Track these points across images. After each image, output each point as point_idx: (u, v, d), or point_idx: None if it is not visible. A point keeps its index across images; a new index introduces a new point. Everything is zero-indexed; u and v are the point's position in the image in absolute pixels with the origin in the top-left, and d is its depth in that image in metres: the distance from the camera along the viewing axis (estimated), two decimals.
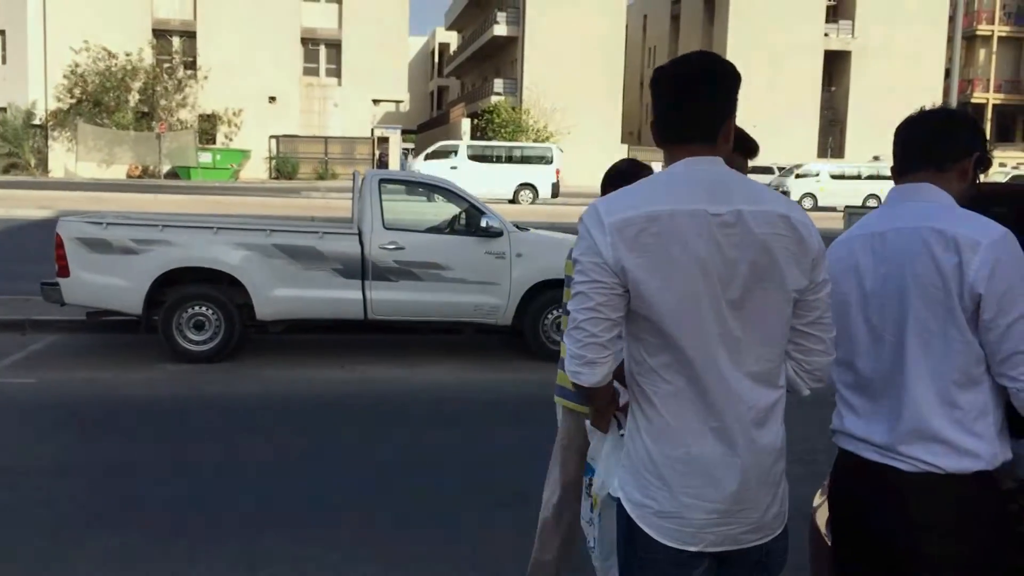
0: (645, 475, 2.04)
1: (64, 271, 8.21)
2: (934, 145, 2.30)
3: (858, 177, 35.02)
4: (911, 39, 49.51)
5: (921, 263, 2.13)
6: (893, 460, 2.16)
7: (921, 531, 2.13)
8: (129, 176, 41.41)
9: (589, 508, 2.53)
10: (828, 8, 51.31)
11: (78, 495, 5.13)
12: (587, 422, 2.54)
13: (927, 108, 2.38)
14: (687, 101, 2.05)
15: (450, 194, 9.17)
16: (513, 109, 47.49)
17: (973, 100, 55.13)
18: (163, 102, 42.29)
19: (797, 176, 35.07)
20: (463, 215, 9.01)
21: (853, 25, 51.13)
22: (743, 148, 2.73)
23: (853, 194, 32.50)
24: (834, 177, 34.98)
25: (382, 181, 8.90)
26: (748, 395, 2.02)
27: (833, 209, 29.23)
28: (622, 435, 2.22)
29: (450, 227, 9.10)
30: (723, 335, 1.99)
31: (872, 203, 31.43)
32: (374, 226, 8.60)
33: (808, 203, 32.76)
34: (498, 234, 8.72)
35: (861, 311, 2.25)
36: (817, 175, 35.12)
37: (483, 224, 8.71)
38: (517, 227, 9.00)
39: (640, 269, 1.96)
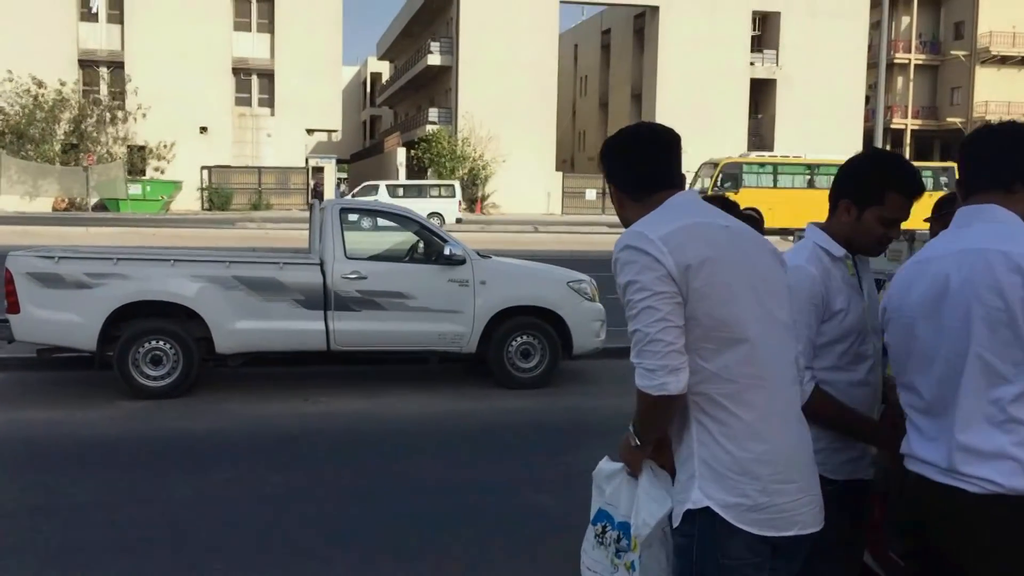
0: (731, 476, 2.16)
1: (14, 307, 7.94)
2: (1002, 164, 2.29)
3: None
4: (832, 68, 51.09)
5: (985, 286, 2.13)
6: (958, 481, 2.16)
7: (989, 552, 2.14)
8: (55, 209, 40.28)
9: (614, 554, 2.46)
10: (753, 38, 52.73)
11: (48, 537, 4.93)
12: (603, 467, 2.56)
13: (994, 123, 2.38)
14: (671, 158, 2.42)
15: (411, 223, 9.14)
16: (449, 138, 47.61)
17: (892, 126, 57.05)
18: (92, 133, 41.33)
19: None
20: (423, 243, 8.97)
21: (777, 54, 52.58)
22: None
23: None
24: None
25: (343, 211, 8.83)
26: (794, 382, 2.31)
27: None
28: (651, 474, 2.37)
29: (410, 255, 9.06)
30: (772, 322, 2.26)
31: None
32: (336, 255, 8.51)
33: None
34: (461, 262, 8.71)
35: (925, 333, 2.25)
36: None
37: (446, 252, 8.69)
38: (480, 255, 9.00)
39: (703, 267, 2.16)
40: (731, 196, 4.79)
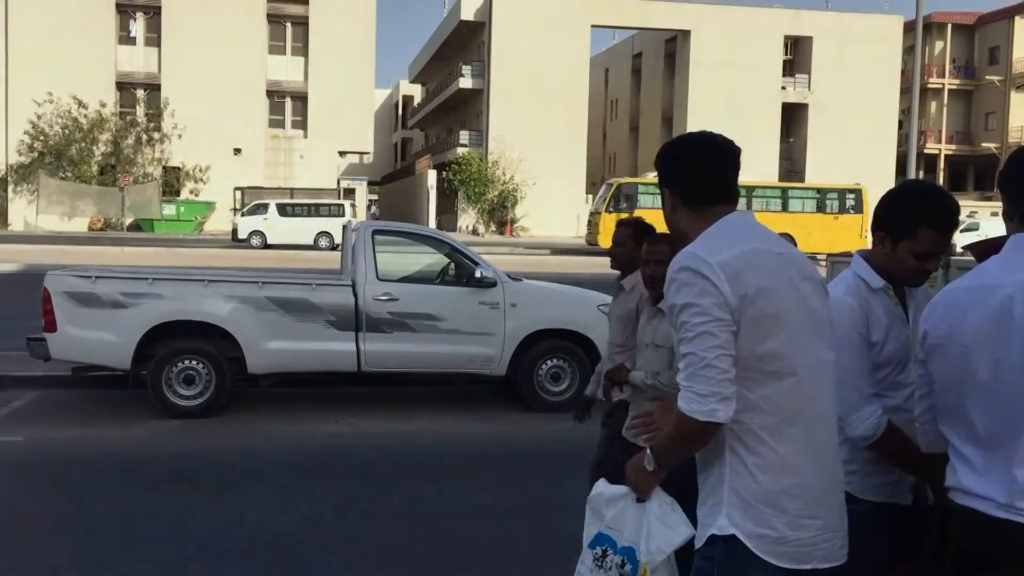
0: (759, 507, 2.16)
1: (51, 326, 8.03)
2: None
3: None
4: (865, 92, 50.84)
5: None
6: (1018, 516, 2.09)
7: None
8: (91, 229, 40.93)
9: None
10: (785, 62, 52.64)
11: (83, 553, 4.96)
12: (602, 491, 2.57)
13: None
14: (731, 172, 2.39)
15: (442, 244, 9.16)
16: (480, 160, 47.86)
17: (926, 151, 56.61)
18: (129, 154, 41.98)
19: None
20: (454, 265, 8.99)
21: (809, 78, 52.45)
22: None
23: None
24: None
25: (375, 232, 8.87)
26: (833, 418, 2.33)
27: None
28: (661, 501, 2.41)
29: (441, 277, 9.08)
30: (816, 356, 2.27)
31: None
32: (368, 277, 8.54)
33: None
34: (492, 284, 8.71)
35: (984, 363, 2.18)
36: None
37: (477, 275, 8.70)
38: (511, 277, 9.00)
39: (758, 296, 2.17)
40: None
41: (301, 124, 46.70)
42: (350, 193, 45.28)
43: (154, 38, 43.97)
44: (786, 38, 52.44)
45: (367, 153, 52.06)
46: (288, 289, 8.51)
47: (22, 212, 41.79)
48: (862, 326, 2.60)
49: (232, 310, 8.28)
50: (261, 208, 34.77)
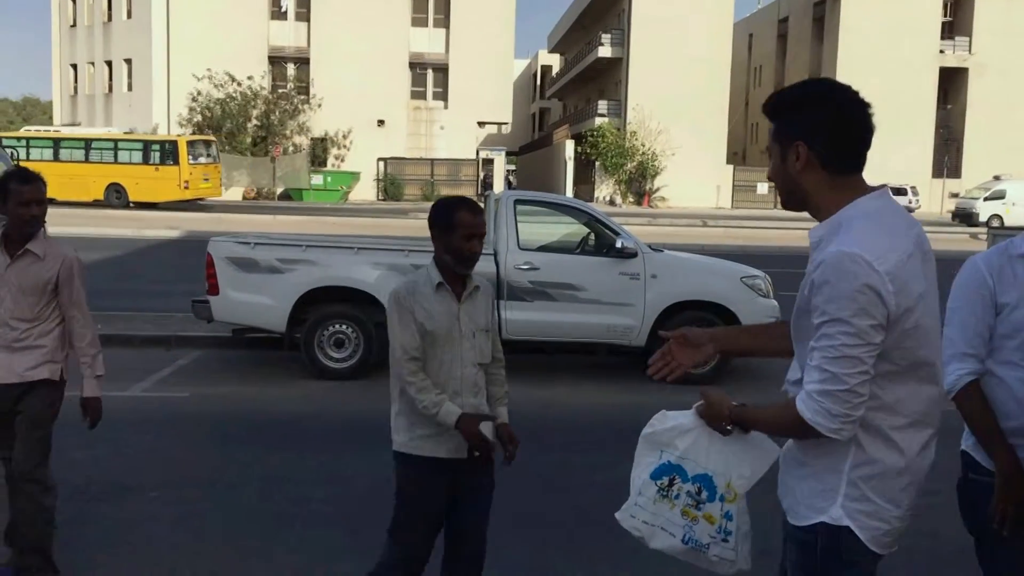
0: (878, 503, 2.16)
1: (214, 289, 8.53)
2: None
3: None
4: None
5: None
6: None
7: None
8: (245, 198, 42.87)
9: (687, 506, 2.48)
10: (944, 24, 49.75)
11: (242, 505, 5.30)
12: (675, 423, 2.54)
13: None
14: (871, 132, 2.19)
15: (582, 214, 9.19)
16: (617, 131, 47.43)
17: None
18: (279, 127, 43.70)
19: (986, 199, 34.85)
20: (594, 235, 9.01)
21: (970, 41, 49.41)
22: None
23: None
24: None
25: (517, 202, 8.98)
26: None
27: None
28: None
29: (581, 247, 9.11)
30: (940, 354, 2.28)
31: None
32: (509, 246, 8.67)
33: (995, 224, 32.43)
34: (632, 255, 8.69)
35: None
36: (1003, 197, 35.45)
37: (618, 245, 8.69)
38: (651, 248, 8.95)
39: (915, 308, 2.08)
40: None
41: (442, 95, 47.39)
42: (488, 163, 45.78)
43: (304, 13, 45.42)
44: None
45: (505, 124, 52.39)
46: None
47: None
48: (983, 288, 2.66)
49: (380, 277, 8.57)
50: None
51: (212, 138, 37.97)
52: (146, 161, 33.57)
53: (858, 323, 2.01)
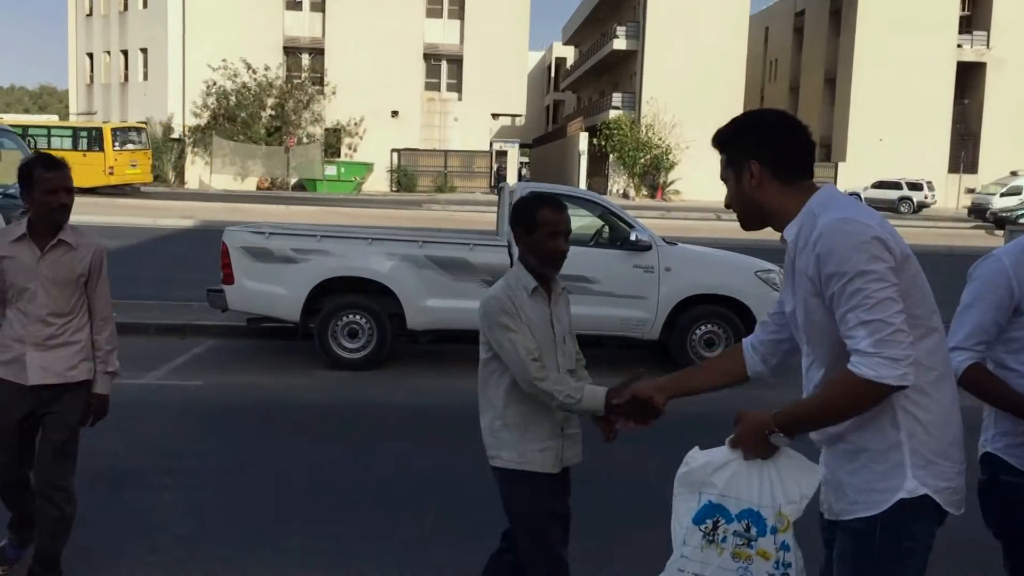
0: (939, 462, 2.21)
1: (229, 278, 8.55)
2: None
3: None
4: None
5: None
6: None
7: None
8: (259, 188, 42.97)
9: (738, 546, 2.32)
10: (961, 18, 49.35)
11: (260, 493, 5.33)
12: (706, 461, 2.41)
13: None
14: (812, 142, 2.39)
15: (596, 206, 9.18)
16: (631, 124, 47.28)
17: None
18: (293, 117, 43.77)
19: (1002, 195, 34.74)
20: (608, 228, 8.99)
21: (988, 35, 49.01)
22: None
23: None
24: None
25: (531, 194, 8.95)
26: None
27: None
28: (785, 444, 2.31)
29: (595, 240, 9.10)
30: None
31: None
32: None
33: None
34: (647, 248, 8.68)
35: None
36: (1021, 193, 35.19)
37: (632, 237, 8.68)
38: (666, 241, 8.93)
39: (909, 260, 2.19)
40: None
41: (456, 87, 47.35)
42: (502, 155, 45.73)
43: (319, 3, 45.43)
44: None
45: (519, 116, 52.31)
46: (447, 248, 8.75)
47: (198, 172, 44.32)
48: (1002, 287, 2.66)
49: (394, 267, 8.58)
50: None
51: (143, 125, 38.55)
52: (75, 147, 34.09)
53: (878, 268, 2.11)
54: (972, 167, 48.69)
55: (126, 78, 47.30)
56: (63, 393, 3.78)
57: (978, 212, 36.49)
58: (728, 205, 2.42)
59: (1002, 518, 2.76)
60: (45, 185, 3.64)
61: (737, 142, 2.36)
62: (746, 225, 2.41)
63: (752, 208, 2.34)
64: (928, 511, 2.22)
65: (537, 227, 3.09)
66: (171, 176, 43.39)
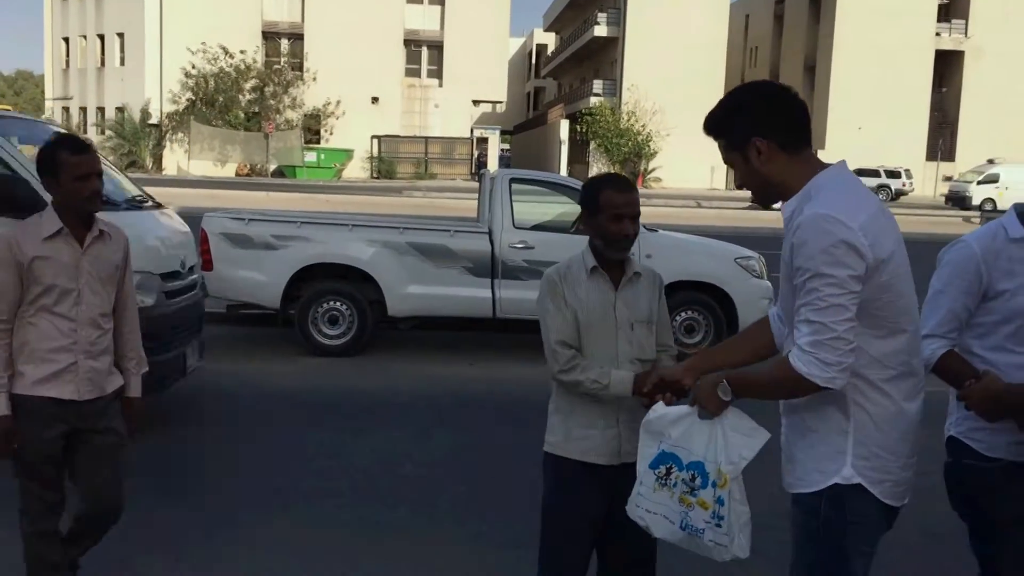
0: (882, 455, 2.28)
1: (208, 265, 8.50)
2: None
3: None
4: None
5: None
6: None
7: None
8: (238, 174, 42.73)
9: (684, 493, 2.55)
10: (940, 6, 49.64)
11: (243, 484, 5.33)
12: (664, 413, 2.61)
13: None
14: (805, 107, 2.37)
15: (578, 193, 9.17)
16: (612, 111, 47.29)
17: None
18: (272, 102, 43.50)
19: (979, 183, 35.15)
20: None
21: (966, 24, 49.34)
22: None
23: None
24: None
25: (512, 180, 8.97)
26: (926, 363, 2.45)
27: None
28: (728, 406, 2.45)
29: (576, 227, 9.10)
30: (916, 307, 2.35)
31: None
32: (504, 225, 8.67)
33: (988, 208, 32.66)
34: None
35: None
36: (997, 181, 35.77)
37: None
38: (646, 228, 8.95)
39: (890, 261, 2.20)
40: None
41: (436, 73, 47.21)
42: (482, 142, 45.64)
43: None
44: None
45: (500, 102, 52.26)
46: (428, 235, 8.74)
47: (175, 158, 43.99)
48: (971, 273, 2.68)
49: (374, 254, 8.57)
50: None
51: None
52: None
53: (838, 273, 2.14)
54: (950, 155, 49.08)
55: (103, 63, 46.82)
56: (104, 405, 3.39)
57: (956, 200, 36.83)
58: (740, 186, 2.44)
59: (965, 501, 2.81)
60: (74, 171, 3.19)
61: (735, 123, 2.34)
62: (763, 201, 2.42)
63: (766, 184, 2.34)
64: (868, 497, 2.28)
65: (600, 209, 2.93)
66: (149, 162, 43.04)
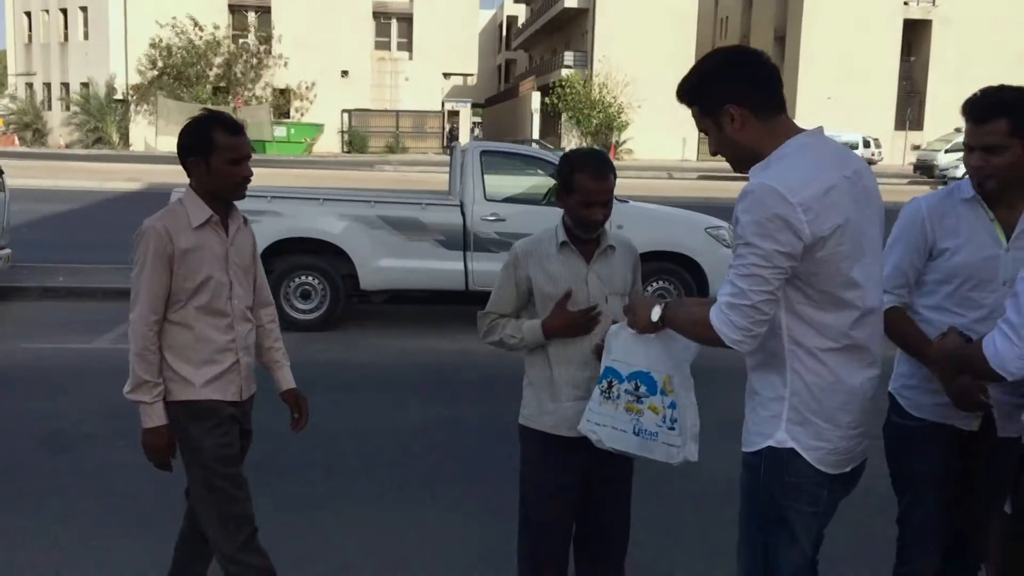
0: (818, 423, 2.30)
1: None
2: None
3: None
4: (999, 7, 47.79)
5: None
6: None
7: None
8: None
9: (630, 401, 2.70)
10: None
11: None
12: (609, 328, 2.77)
13: None
14: (776, 70, 2.35)
15: (549, 165, 9.19)
16: (583, 83, 47.16)
17: None
18: (240, 76, 42.97)
19: (947, 151, 35.26)
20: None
21: None
22: None
23: None
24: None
25: (483, 153, 8.96)
26: (882, 339, 2.40)
27: None
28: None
29: (547, 198, 9.13)
30: (876, 285, 2.33)
31: None
32: (475, 197, 8.68)
33: (959, 173, 32.72)
34: None
35: None
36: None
37: None
38: (617, 199, 8.98)
39: (832, 237, 2.16)
40: None
41: (406, 46, 46.82)
42: (454, 115, 45.41)
43: None
44: None
45: (471, 75, 51.98)
46: (399, 208, 8.73)
47: (143, 133, 43.42)
48: (919, 232, 2.74)
49: (346, 228, 8.55)
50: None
51: None
52: None
53: (765, 246, 2.14)
54: (918, 124, 49.46)
55: (66, 37, 45.98)
56: (251, 404, 3.27)
57: (924, 168, 37.16)
58: (715, 153, 2.40)
59: (887, 455, 2.89)
60: (230, 153, 2.90)
61: (707, 90, 2.31)
62: (740, 168, 2.37)
63: (741, 151, 2.31)
64: (802, 461, 2.31)
65: (574, 191, 2.89)
66: (115, 138, 42.44)
